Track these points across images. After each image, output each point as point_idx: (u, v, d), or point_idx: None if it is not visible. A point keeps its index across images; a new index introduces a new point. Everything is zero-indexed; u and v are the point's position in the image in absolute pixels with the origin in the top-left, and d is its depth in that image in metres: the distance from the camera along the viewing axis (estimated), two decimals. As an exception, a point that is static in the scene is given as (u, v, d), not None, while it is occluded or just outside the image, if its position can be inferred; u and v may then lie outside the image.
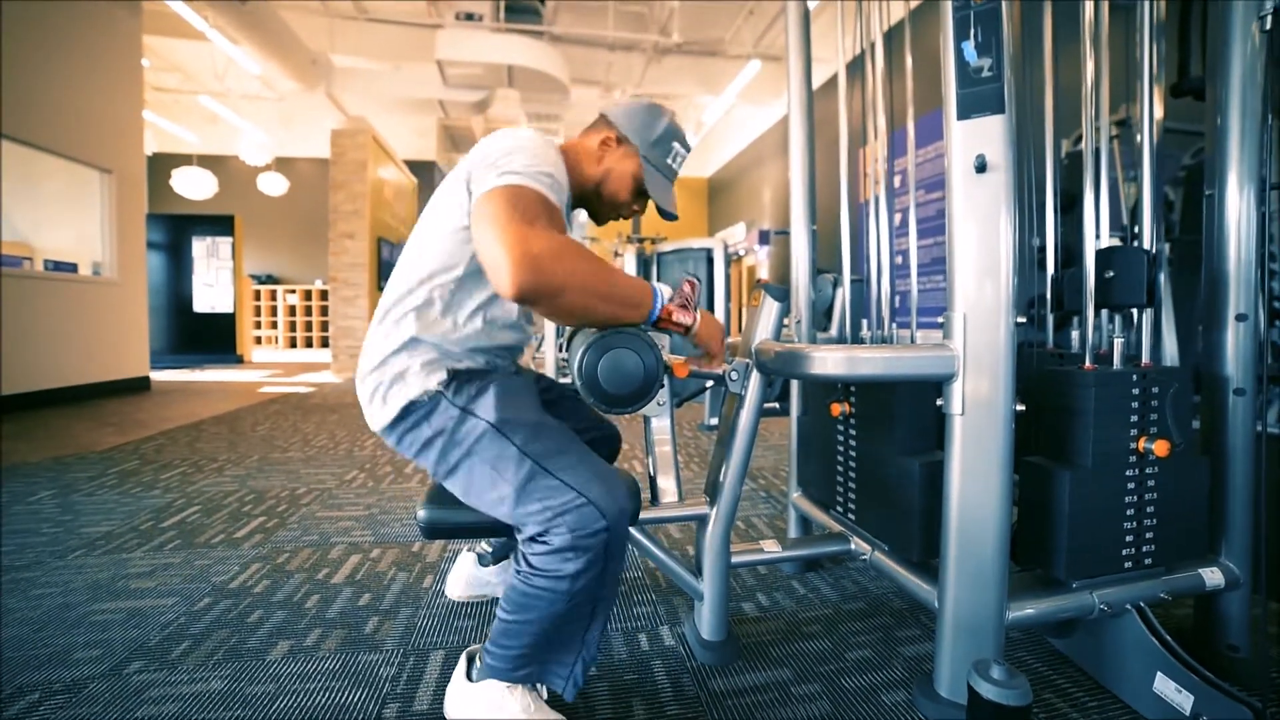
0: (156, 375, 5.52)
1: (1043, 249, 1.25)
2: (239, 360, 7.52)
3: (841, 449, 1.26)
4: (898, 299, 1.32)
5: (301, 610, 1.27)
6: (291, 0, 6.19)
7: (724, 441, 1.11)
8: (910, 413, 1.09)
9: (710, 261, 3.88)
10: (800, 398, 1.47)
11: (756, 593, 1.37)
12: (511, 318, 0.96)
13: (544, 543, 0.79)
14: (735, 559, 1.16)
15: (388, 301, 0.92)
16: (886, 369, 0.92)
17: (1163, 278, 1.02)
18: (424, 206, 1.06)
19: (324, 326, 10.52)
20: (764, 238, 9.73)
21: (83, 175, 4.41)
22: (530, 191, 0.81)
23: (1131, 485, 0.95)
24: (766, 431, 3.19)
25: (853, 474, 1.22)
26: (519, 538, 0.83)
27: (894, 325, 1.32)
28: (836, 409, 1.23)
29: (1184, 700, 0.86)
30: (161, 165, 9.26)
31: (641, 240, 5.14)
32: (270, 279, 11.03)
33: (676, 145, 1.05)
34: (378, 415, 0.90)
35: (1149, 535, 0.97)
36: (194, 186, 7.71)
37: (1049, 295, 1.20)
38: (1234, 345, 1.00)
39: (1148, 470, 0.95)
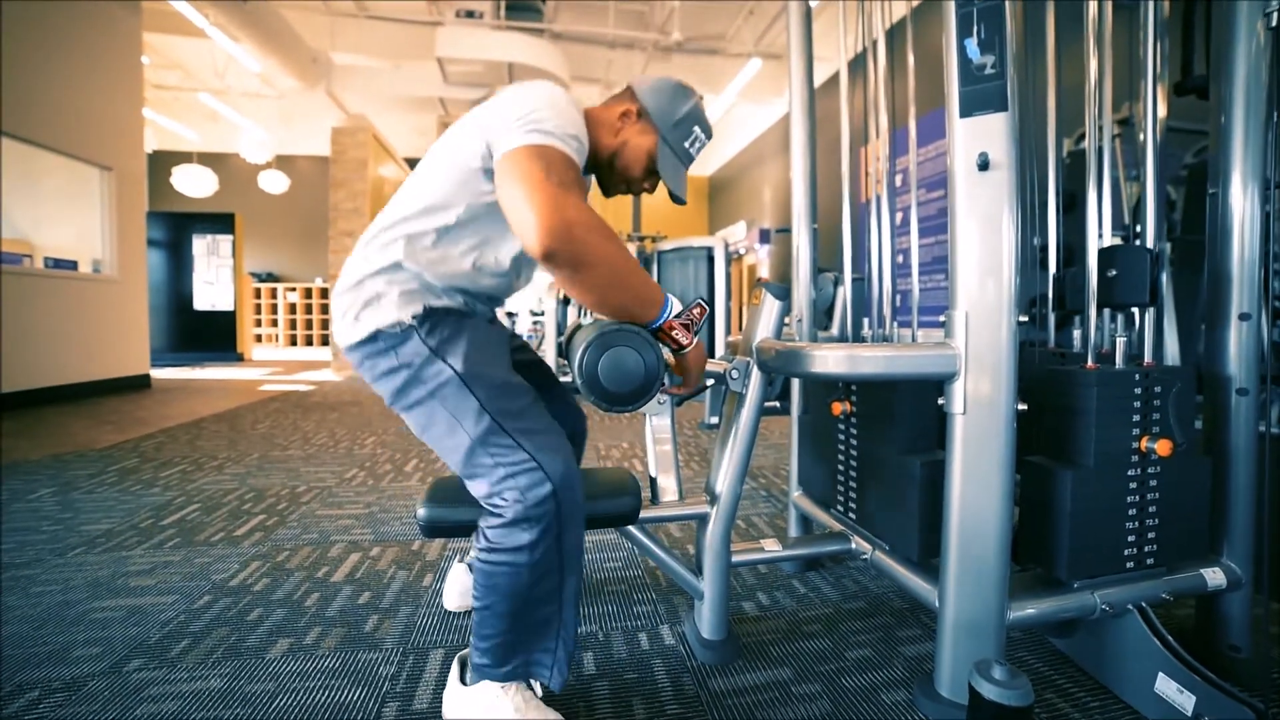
0: (157, 373, 5.52)
1: (1045, 248, 1.25)
2: (239, 358, 7.52)
3: (842, 448, 1.25)
4: (899, 298, 1.32)
5: (301, 608, 1.27)
6: (292, -2, 6.18)
7: (724, 440, 1.10)
8: (911, 412, 1.09)
9: (711, 260, 3.87)
10: (801, 396, 1.46)
11: (757, 592, 1.36)
12: (502, 268, 0.94)
13: (498, 515, 0.82)
14: (735, 558, 1.16)
15: (378, 226, 0.91)
16: (888, 368, 0.91)
17: (1165, 277, 1.02)
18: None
19: (324, 324, 10.53)
20: (765, 236, 9.72)
21: (83, 173, 4.41)
22: (561, 154, 0.81)
23: (1133, 485, 0.94)
24: (767, 430, 3.19)
25: (854, 473, 1.22)
26: (479, 501, 0.85)
27: (895, 324, 1.31)
28: (837, 408, 1.23)
29: (1186, 701, 0.86)
30: (162, 163, 9.26)
31: (642, 238, 5.13)
32: (271, 277, 11.03)
33: (698, 130, 1.02)
34: (347, 332, 0.89)
35: (1151, 535, 0.96)
36: (194, 184, 7.71)
37: (1051, 294, 1.20)
38: (1237, 345, 1.00)
39: (1150, 470, 0.95)
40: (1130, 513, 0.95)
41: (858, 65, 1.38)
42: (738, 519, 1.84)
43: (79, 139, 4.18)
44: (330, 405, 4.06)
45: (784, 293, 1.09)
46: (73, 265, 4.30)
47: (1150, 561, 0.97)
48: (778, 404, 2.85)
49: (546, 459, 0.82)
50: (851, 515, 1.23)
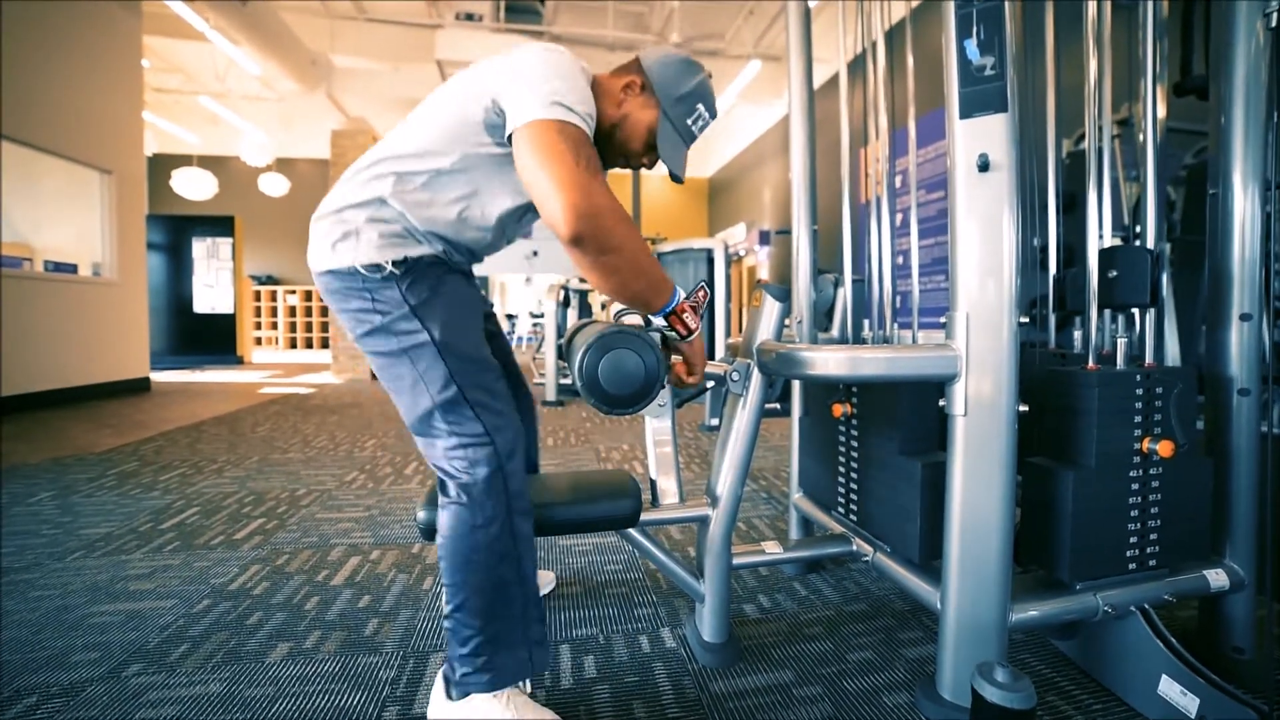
0: (156, 376, 5.52)
1: (1045, 249, 1.25)
2: (239, 361, 7.52)
3: (843, 450, 1.25)
4: (899, 299, 1.32)
5: (301, 612, 1.26)
6: (292, 1, 6.19)
7: (725, 442, 1.10)
8: (912, 413, 1.08)
9: (711, 262, 3.87)
10: (801, 398, 1.46)
11: (758, 594, 1.36)
12: (487, 222, 0.93)
13: (448, 494, 0.86)
14: (736, 560, 1.15)
15: (368, 159, 0.90)
16: (888, 369, 0.91)
17: (1165, 277, 1.01)
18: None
19: (324, 327, 10.53)
20: (764, 238, 9.72)
21: (83, 176, 4.41)
22: (583, 135, 0.81)
23: (1135, 486, 0.94)
24: (768, 432, 3.18)
25: (854, 475, 1.21)
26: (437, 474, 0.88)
27: (895, 325, 1.31)
28: (838, 410, 1.23)
29: (1189, 703, 0.86)
30: (162, 166, 9.27)
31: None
32: (270, 280, 11.04)
33: (701, 108, 0.99)
34: (322, 259, 0.88)
35: (1153, 536, 0.96)
36: (194, 187, 7.71)
37: (1051, 295, 1.20)
38: (1238, 345, 1.00)
39: (1151, 471, 0.95)
40: (1132, 514, 0.94)
41: (857, 66, 1.38)
42: (738, 521, 1.84)
43: (79, 142, 4.18)
44: (330, 408, 4.05)
45: (784, 294, 1.09)
46: (73, 268, 4.30)
47: (1152, 563, 0.97)
48: (778, 406, 2.83)
49: (501, 437, 0.86)
50: (853, 517, 1.23)
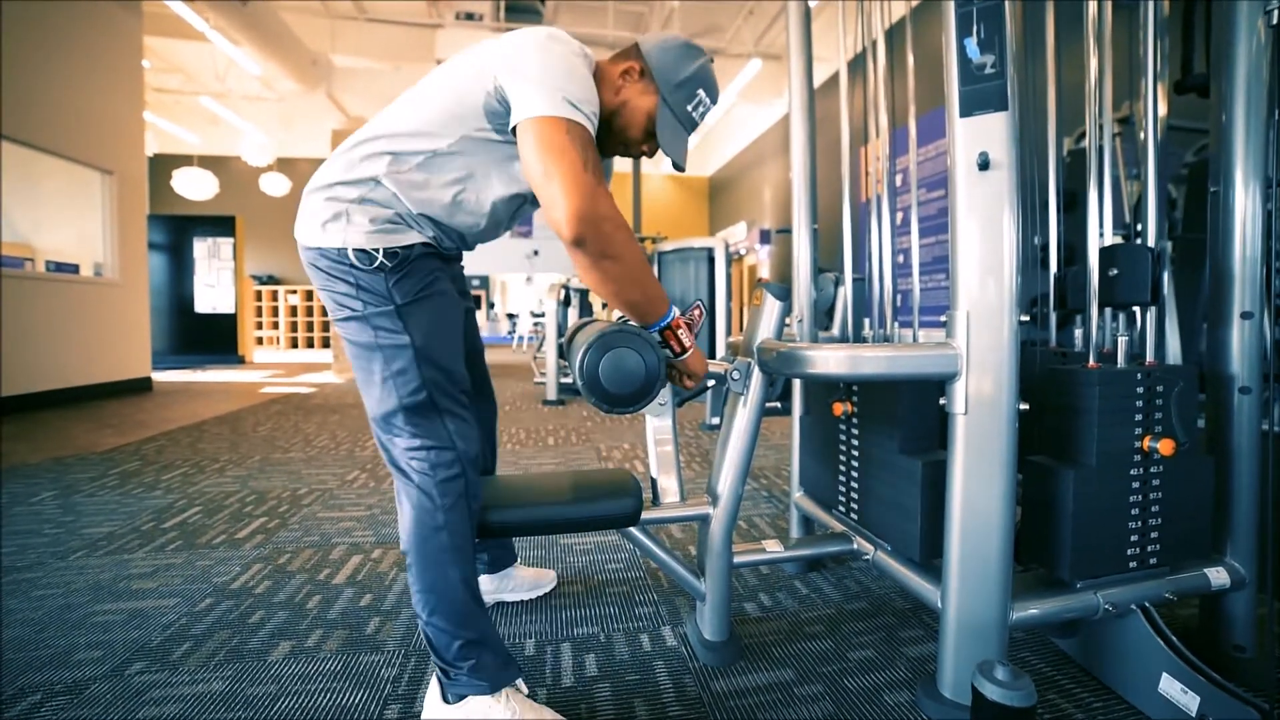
0: (158, 376, 5.53)
1: (1046, 247, 1.25)
2: (240, 361, 7.53)
3: (844, 449, 1.25)
4: (900, 298, 1.32)
5: (303, 611, 1.27)
6: (292, 1, 6.19)
7: (725, 441, 1.10)
8: (913, 412, 1.08)
9: (711, 261, 3.87)
10: (802, 397, 1.46)
11: (759, 593, 1.36)
12: (481, 208, 0.91)
13: (409, 496, 0.87)
14: (737, 559, 1.16)
15: (363, 135, 0.88)
16: (889, 368, 0.91)
17: (1166, 276, 1.01)
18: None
19: (325, 327, 10.54)
20: (765, 237, 9.72)
21: (84, 176, 4.42)
22: (589, 136, 0.81)
23: (1136, 485, 0.94)
24: (768, 431, 3.18)
25: (855, 474, 1.21)
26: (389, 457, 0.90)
27: (896, 324, 1.31)
28: (839, 408, 1.23)
29: (1190, 701, 0.86)
30: (163, 166, 9.28)
31: (642, 239, 5.14)
32: (271, 279, 11.05)
33: (702, 93, 0.96)
34: (312, 235, 0.87)
35: (1154, 535, 0.96)
36: (195, 187, 7.72)
37: (1052, 293, 1.20)
38: (1239, 343, 1.00)
39: (1152, 469, 0.95)
40: (1133, 512, 0.94)
41: (857, 65, 1.38)
42: (739, 520, 1.84)
43: (80, 142, 4.19)
44: (331, 407, 4.06)
45: (784, 293, 1.09)
46: (74, 269, 4.31)
47: (1153, 561, 0.97)
48: (779, 404, 2.84)
49: (465, 443, 0.89)
50: (853, 516, 1.23)
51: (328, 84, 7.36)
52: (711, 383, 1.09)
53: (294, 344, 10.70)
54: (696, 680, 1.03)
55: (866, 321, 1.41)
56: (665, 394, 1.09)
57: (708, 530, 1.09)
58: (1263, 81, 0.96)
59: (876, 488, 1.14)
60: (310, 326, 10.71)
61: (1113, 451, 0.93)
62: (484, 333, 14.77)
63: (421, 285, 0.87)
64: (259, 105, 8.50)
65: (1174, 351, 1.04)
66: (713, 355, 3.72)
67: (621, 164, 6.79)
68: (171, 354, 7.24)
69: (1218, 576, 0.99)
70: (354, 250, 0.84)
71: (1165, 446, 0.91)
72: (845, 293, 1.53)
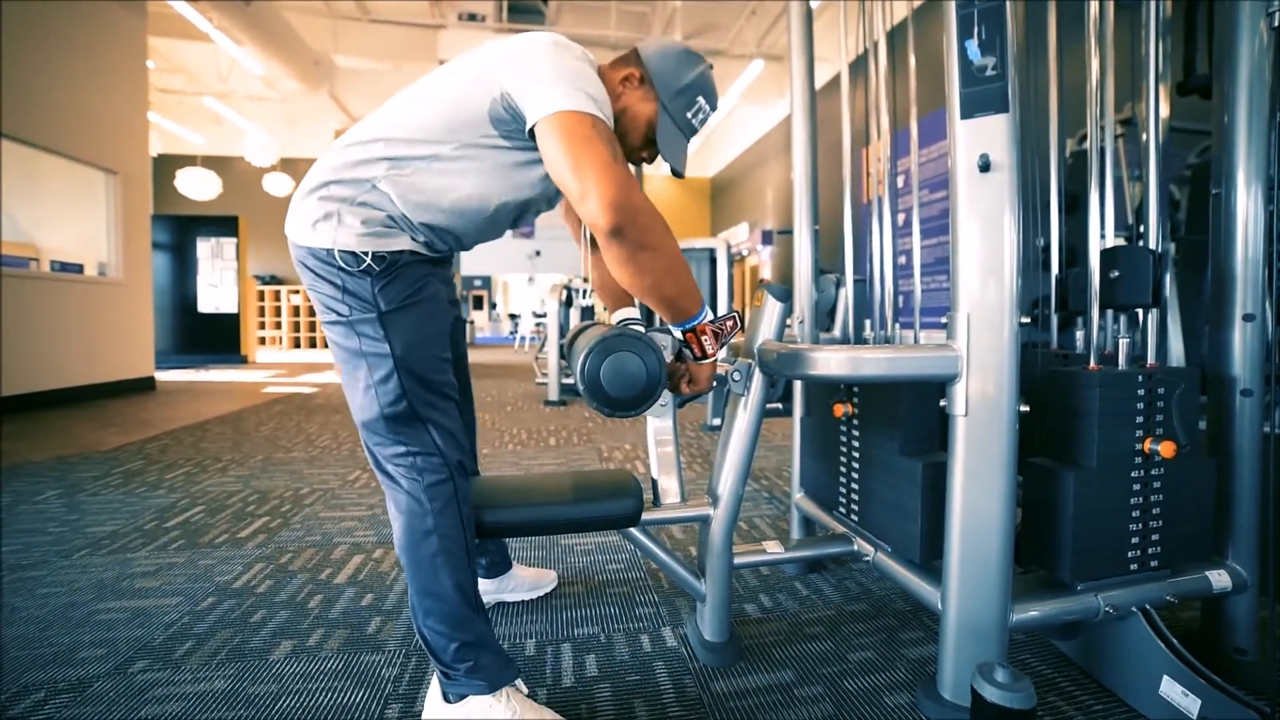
0: (161, 375, 5.55)
1: (1047, 249, 1.24)
2: (243, 360, 7.55)
3: (844, 450, 1.25)
4: (901, 299, 1.32)
5: (304, 610, 1.27)
6: (295, 1, 6.21)
7: (726, 442, 1.10)
8: (913, 414, 1.08)
9: (713, 262, 3.87)
10: (803, 398, 1.46)
11: (759, 594, 1.36)
12: (480, 213, 0.89)
13: (397, 502, 0.88)
14: (738, 560, 1.16)
15: (361, 135, 0.85)
16: (889, 370, 0.91)
17: (1168, 277, 1.01)
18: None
19: (328, 327, 10.53)
20: (767, 238, 9.72)
21: (88, 176, 4.44)
22: (612, 132, 0.80)
23: (1137, 487, 0.94)
24: (769, 432, 3.18)
25: (856, 475, 1.21)
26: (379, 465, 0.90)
27: (897, 325, 1.31)
28: (839, 410, 1.23)
29: (1190, 704, 0.86)
30: (166, 166, 9.31)
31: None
32: (274, 279, 11.08)
33: (701, 100, 0.96)
34: (302, 234, 0.85)
35: (1154, 537, 0.96)
36: (198, 187, 7.74)
37: (1053, 295, 1.19)
38: (1241, 345, 1.00)
39: (1153, 471, 0.94)
40: (1134, 514, 0.94)
41: (859, 66, 1.38)
42: (740, 521, 1.84)
43: (84, 142, 4.21)
44: (334, 407, 4.07)
45: (785, 294, 1.09)
46: (79, 268, 4.33)
47: (1154, 564, 0.96)
48: (780, 406, 2.84)
49: (449, 449, 0.88)
50: (854, 517, 1.23)
51: (330, 84, 7.39)
52: (713, 384, 1.09)
53: (296, 344, 10.72)
54: (696, 681, 1.03)
55: (868, 323, 1.41)
56: (666, 394, 1.09)
57: (708, 531, 1.09)
58: (1265, 83, 0.96)
59: (877, 489, 1.14)
60: (312, 326, 10.73)
61: (1113, 453, 0.92)
62: (486, 333, 14.81)
63: (408, 291, 0.86)
64: (262, 105, 8.53)
65: (1177, 353, 1.04)
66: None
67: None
68: (174, 354, 7.27)
69: (1219, 579, 0.99)
70: (341, 251, 0.82)
71: (1166, 449, 0.90)
72: (846, 294, 1.52)
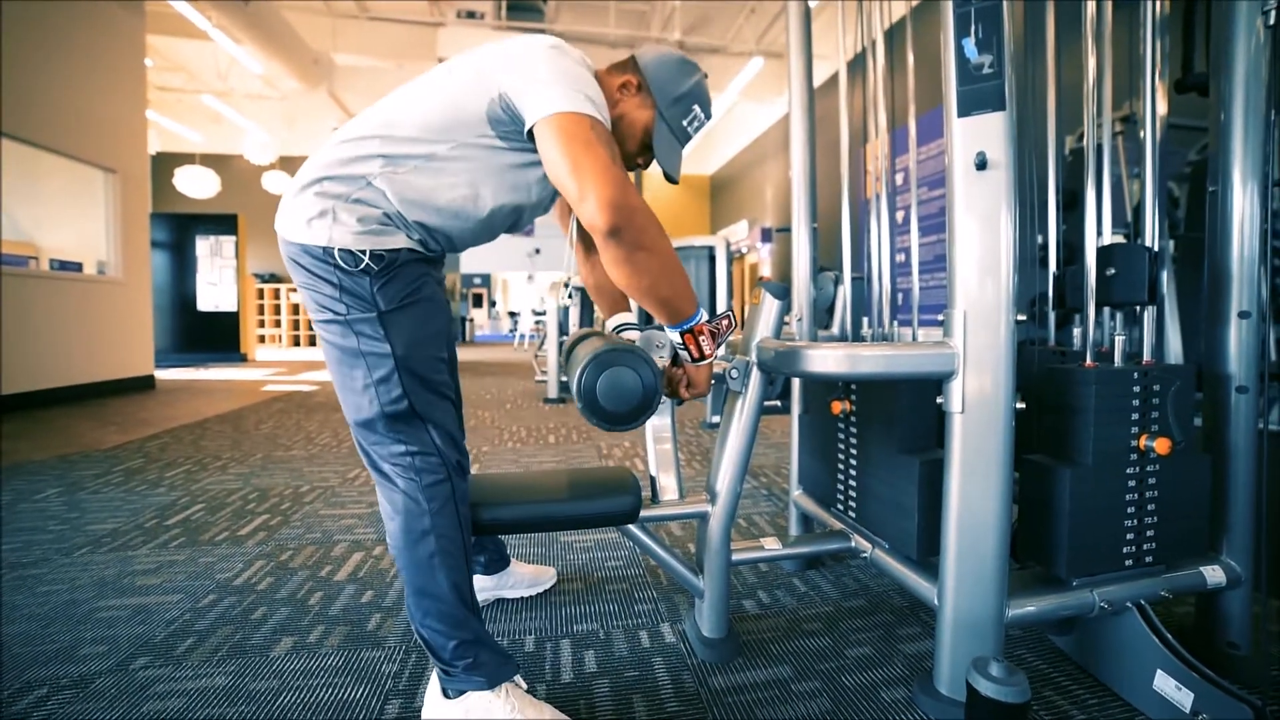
0: (161, 374, 5.55)
1: (1045, 246, 1.25)
2: (243, 359, 7.55)
3: (842, 447, 1.26)
4: (899, 297, 1.32)
5: (305, 607, 1.28)
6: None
7: (725, 439, 1.11)
8: (911, 411, 1.09)
9: (712, 259, 3.87)
10: (801, 396, 1.47)
11: (757, 590, 1.37)
12: (475, 214, 0.89)
13: (394, 501, 0.87)
14: (736, 556, 1.16)
15: (357, 131, 0.84)
16: (887, 367, 0.92)
17: (1166, 275, 1.02)
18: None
19: (327, 325, 10.53)
20: (766, 235, 9.72)
21: (87, 174, 4.43)
22: (610, 134, 0.81)
23: (1132, 483, 0.95)
24: (768, 429, 3.19)
25: (853, 472, 1.22)
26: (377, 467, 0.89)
27: (895, 323, 1.31)
28: (837, 407, 1.23)
29: (1184, 698, 0.86)
30: (165, 164, 9.29)
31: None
32: (274, 278, 11.06)
33: (697, 109, 0.98)
34: (296, 231, 0.83)
35: (1150, 533, 0.96)
36: (197, 185, 7.74)
37: (1051, 293, 1.20)
38: (1236, 343, 1.00)
39: (1149, 468, 0.95)
40: (1129, 511, 0.95)
41: (857, 64, 1.38)
42: (738, 518, 1.85)
43: (83, 141, 4.20)
44: (333, 405, 4.07)
45: (784, 292, 1.10)
46: (78, 267, 4.32)
47: (1149, 559, 0.97)
48: (778, 403, 2.84)
49: (447, 453, 0.88)
50: (851, 514, 1.23)
51: (329, 82, 7.37)
52: (711, 382, 1.09)
53: (296, 342, 10.72)
54: (695, 677, 1.04)
55: (865, 320, 1.41)
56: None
57: (706, 528, 1.09)
58: (1261, 81, 0.97)
59: (874, 486, 1.15)
60: (311, 324, 10.73)
61: (1109, 450, 0.93)
62: (485, 331, 14.81)
63: (407, 291, 0.85)
64: (261, 104, 8.51)
65: (1175, 350, 1.04)
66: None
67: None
68: (174, 352, 7.27)
69: (1213, 575, 1.00)
70: (339, 250, 0.81)
71: (1162, 445, 0.91)
72: (844, 291, 1.53)
